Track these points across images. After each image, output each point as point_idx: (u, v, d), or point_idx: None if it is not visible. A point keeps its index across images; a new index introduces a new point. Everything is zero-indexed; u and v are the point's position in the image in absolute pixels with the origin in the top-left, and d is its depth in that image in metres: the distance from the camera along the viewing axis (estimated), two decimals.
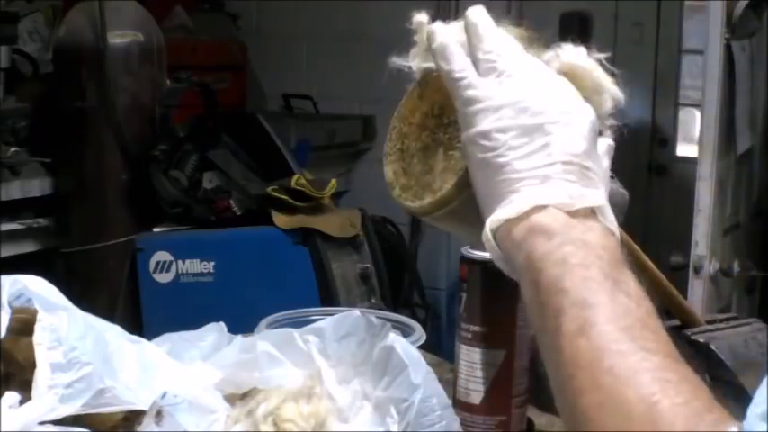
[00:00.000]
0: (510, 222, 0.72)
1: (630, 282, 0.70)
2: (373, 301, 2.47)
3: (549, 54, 0.81)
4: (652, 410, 0.61)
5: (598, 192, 0.74)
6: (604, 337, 0.65)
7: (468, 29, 0.79)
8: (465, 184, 0.78)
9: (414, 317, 2.71)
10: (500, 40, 0.78)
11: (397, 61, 0.85)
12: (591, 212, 0.73)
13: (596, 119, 0.77)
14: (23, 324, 0.88)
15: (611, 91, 0.79)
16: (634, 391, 0.62)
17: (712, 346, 1.10)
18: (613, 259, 0.70)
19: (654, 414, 0.61)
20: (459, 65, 0.77)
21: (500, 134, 0.73)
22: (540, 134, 0.73)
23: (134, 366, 0.91)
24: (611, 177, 0.82)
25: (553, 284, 0.69)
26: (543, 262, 0.70)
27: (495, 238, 0.74)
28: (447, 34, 0.79)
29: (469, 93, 0.75)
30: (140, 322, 2.38)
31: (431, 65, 0.83)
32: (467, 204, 0.79)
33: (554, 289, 0.69)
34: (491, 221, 0.73)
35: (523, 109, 0.74)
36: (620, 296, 0.68)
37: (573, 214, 0.72)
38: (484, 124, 0.74)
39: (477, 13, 0.79)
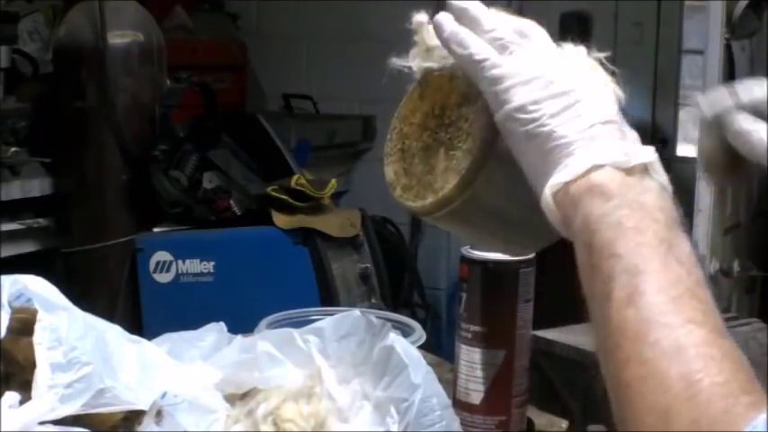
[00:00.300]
0: (568, 185, 0.73)
1: (684, 246, 0.70)
2: (373, 301, 2.47)
3: None
4: (692, 389, 0.62)
5: (647, 147, 0.75)
6: (652, 309, 0.66)
7: (459, 15, 0.79)
8: (467, 184, 0.78)
9: (414, 317, 2.71)
10: (494, 16, 0.79)
11: (396, 62, 0.85)
12: (645, 169, 0.73)
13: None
14: (23, 324, 0.88)
15: (611, 90, 0.79)
16: (677, 368, 0.63)
17: None
18: (669, 221, 0.70)
19: (693, 392, 0.61)
20: (477, 46, 0.77)
21: (536, 105, 0.74)
22: (573, 101, 0.74)
23: (134, 366, 0.91)
24: None
25: (606, 248, 0.69)
26: (598, 224, 0.70)
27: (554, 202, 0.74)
28: (454, 22, 0.79)
29: (495, 72, 0.76)
30: (140, 322, 2.38)
31: (431, 65, 0.83)
32: (468, 204, 0.79)
33: (607, 253, 0.69)
34: (551, 186, 0.73)
35: (550, 80, 0.75)
36: (673, 263, 0.68)
37: (629, 172, 0.72)
38: (517, 99, 0.75)
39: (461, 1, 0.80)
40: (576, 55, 0.80)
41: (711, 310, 0.67)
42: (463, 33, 0.78)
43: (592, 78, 0.77)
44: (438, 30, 0.80)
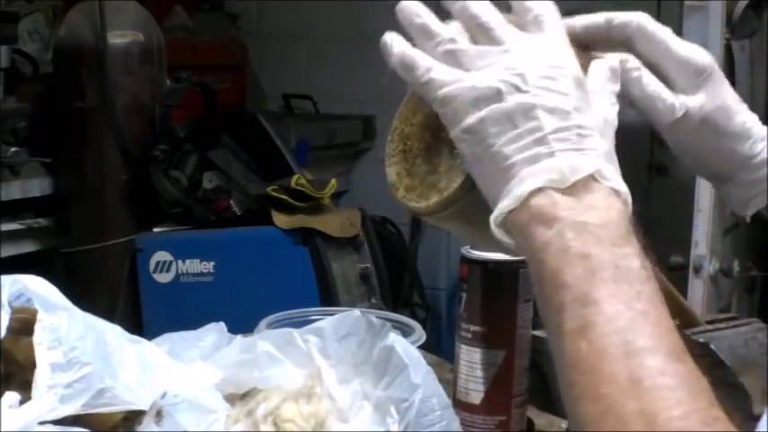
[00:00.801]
0: (513, 213, 0.70)
1: (632, 261, 0.67)
2: (373, 301, 2.47)
3: None
4: (650, 426, 0.61)
5: (594, 154, 0.70)
6: (605, 340, 0.64)
7: (409, 24, 0.76)
8: (472, 182, 0.78)
9: (414, 317, 2.71)
10: (436, 24, 0.75)
11: None
12: (590, 180, 0.69)
13: (577, 63, 0.74)
14: (23, 324, 0.89)
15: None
16: (634, 403, 0.61)
17: (712, 346, 1.11)
18: (616, 236, 0.68)
19: (651, 430, 0.60)
20: (423, 67, 0.74)
21: (482, 124, 0.71)
22: (524, 111, 0.70)
23: (134, 366, 0.91)
24: None
25: (555, 278, 0.67)
26: (544, 253, 0.68)
27: (507, 231, 0.72)
28: (401, 42, 0.75)
29: (441, 93, 0.73)
30: (140, 322, 2.38)
31: None
32: (474, 203, 0.79)
33: (556, 283, 0.67)
34: (495, 217, 0.71)
35: (498, 91, 0.71)
36: (623, 286, 0.66)
37: (570, 190, 0.69)
38: (465, 120, 0.72)
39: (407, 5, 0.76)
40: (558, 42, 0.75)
41: (666, 332, 0.65)
42: (409, 52, 0.75)
43: (552, 63, 0.73)
44: (385, 52, 0.76)
